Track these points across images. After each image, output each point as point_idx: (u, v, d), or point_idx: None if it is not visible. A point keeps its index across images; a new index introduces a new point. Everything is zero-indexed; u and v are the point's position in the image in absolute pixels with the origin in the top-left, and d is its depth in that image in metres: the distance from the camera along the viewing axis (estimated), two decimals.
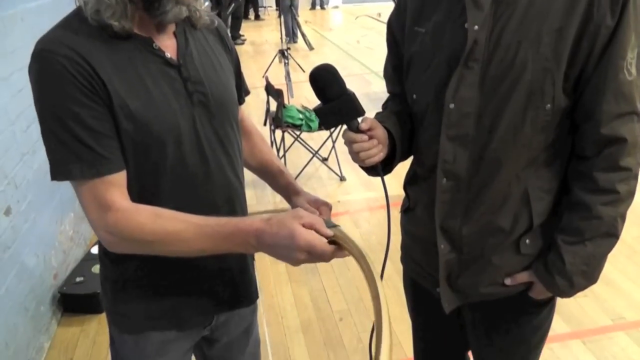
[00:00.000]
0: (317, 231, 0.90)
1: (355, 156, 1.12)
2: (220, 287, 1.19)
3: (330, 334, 2.61)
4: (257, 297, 1.29)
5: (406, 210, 1.38)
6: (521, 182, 1.13)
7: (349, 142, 1.11)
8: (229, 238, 0.92)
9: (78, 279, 2.85)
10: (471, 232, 1.19)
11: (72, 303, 2.79)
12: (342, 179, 4.19)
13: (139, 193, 1.02)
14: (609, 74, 1.01)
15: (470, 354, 1.55)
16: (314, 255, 0.88)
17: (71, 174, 0.94)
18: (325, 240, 0.90)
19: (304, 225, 0.89)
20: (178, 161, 1.04)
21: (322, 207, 1.18)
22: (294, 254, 0.88)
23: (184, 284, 1.15)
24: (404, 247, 1.44)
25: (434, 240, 1.23)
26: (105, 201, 0.95)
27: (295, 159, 4.43)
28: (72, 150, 0.93)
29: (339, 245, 0.91)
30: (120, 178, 0.98)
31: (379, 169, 1.15)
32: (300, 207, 1.17)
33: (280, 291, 2.96)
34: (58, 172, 0.95)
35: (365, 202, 3.85)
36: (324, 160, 4.46)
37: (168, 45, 1.04)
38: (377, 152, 1.12)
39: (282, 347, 2.51)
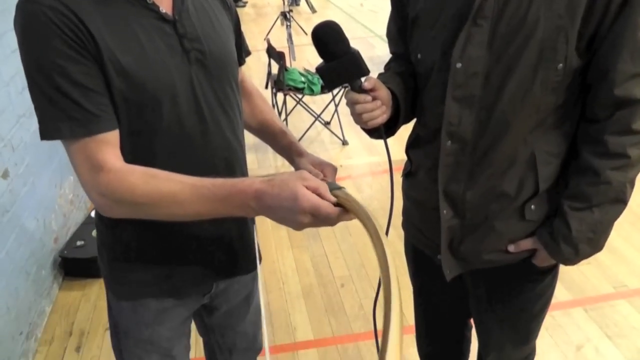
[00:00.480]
0: (321, 197, 0.87)
1: (357, 118, 1.10)
2: (218, 253, 1.17)
3: (331, 300, 2.62)
4: (258, 263, 1.27)
5: (408, 174, 1.36)
6: (528, 145, 1.11)
7: (351, 103, 1.09)
8: (226, 200, 0.88)
9: (79, 243, 2.85)
10: (475, 197, 1.17)
11: (73, 267, 2.80)
12: (345, 143, 4.18)
13: (133, 154, 0.99)
14: (627, 32, 0.97)
15: (471, 321, 1.56)
16: (318, 219, 0.85)
17: (60, 133, 0.91)
18: (330, 203, 0.87)
19: (307, 189, 0.85)
20: (174, 122, 1.01)
21: (326, 168, 1.15)
22: (297, 216, 0.84)
23: (181, 250, 1.13)
24: (406, 212, 1.43)
25: (436, 205, 1.22)
26: (97, 161, 0.92)
27: (297, 123, 4.40)
28: (60, 107, 0.90)
29: (344, 208, 0.89)
30: (112, 137, 0.95)
31: (382, 132, 1.14)
32: (303, 169, 1.13)
33: (281, 256, 2.96)
34: (47, 131, 0.92)
35: (368, 167, 3.84)
36: (326, 124, 4.44)
37: (163, 0, 1.00)
38: (380, 114, 1.10)
39: (282, 313, 2.52)
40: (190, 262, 1.15)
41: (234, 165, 1.15)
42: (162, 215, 0.94)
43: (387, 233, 1.07)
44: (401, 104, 1.18)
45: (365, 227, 0.84)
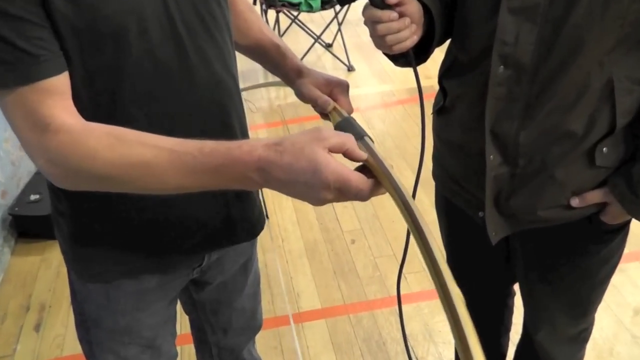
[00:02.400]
0: (350, 154, 0.84)
1: (379, 41, 1.07)
2: (211, 218, 1.15)
3: (340, 259, 2.63)
4: (261, 228, 1.25)
5: (441, 110, 1.32)
6: (605, 70, 1.06)
7: (371, 22, 1.05)
8: (219, 171, 0.85)
9: (33, 197, 2.79)
10: (531, 138, 1.14)
11: (27, 226, 2.75)
12: (350, 69, 4.17)
13: (91, 107, 0.94)
14: None
15: (515, 287, 1.55)
16: (347, 195, 0.82)
17: None
18: (362, 175, 0.83)
19: (330, 151, 0.81)
20: (144, 56, 0.96)
21: (336, 89, 1.12)
22: (319, 193, 0.80)
23: (164, 218, 1.09)
24: (438, 158, 1.40)
25: (479, 149, 1.19)
26: (40, 117, 0.85)
27: (292, 46, 4.26)
28: None
29: (371, 172, 0.86)
30: (60, 84, 0.88)
31: (411, 57, 1.09)
32: (307, 94, 1.12)
33: (279, 207, 2.95)
34: None
35: (379, 97, 3.83)
36: (328, 46, 4.43)
37: None
38: (408, 35, 1.06)
39: (283, 277, 2.53)
40: (177, 232, 1.12)
41: (230, 112, 1.10)
42: (133, 189, 0.90)
43: (415, 189, 1.08)
44: (436, 21, 1.13)
45: (395, 202, 0.82)
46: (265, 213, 1.23)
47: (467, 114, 1.21)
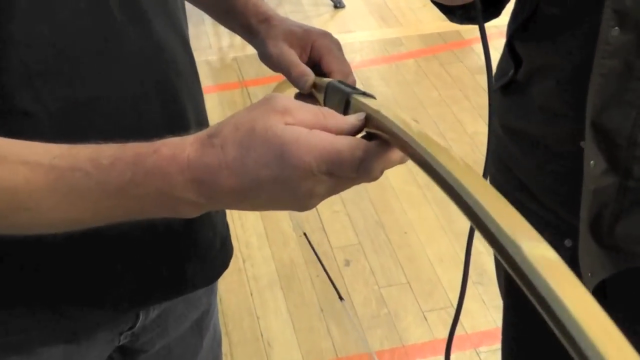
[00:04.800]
0: (333, 125, 0.80)
1: None
2: (146, 254, 1.13)
3: (329, 289, 2.60)
4: (225, 265, 1.26)
5: (508, 85, 1.32)
6: None
7: None
8: (127, 194, 0.82)
9: None
10: None
11: None
12: (338, 4, 4.29)
13: None
14: None
15: None
16: (343, 176, 0.78)
17: None
18: (355, 138, 0.80)
19: (295, 125, 0.79)
20: (38, 13, 0.95)
21: (319, 46, 1.13)
22: (299, 187, 0.77)
23: (75, 259, 1.08)
24: (499, 155, 1.40)
25: (572, 149, 1.19)
26: None
27: None
28: None
29: (381, 138, 0.81)
30: None
31: (478, 9, 1.06)
32: (276, 56, 1.13)
33: (241, 215, 2.95)
34: None
35: (381, 47, 3.90)
36: None
37: None
38: None
39: (247, 318, 2.53)
40: (89, 276, 1.11)
41: (178, 93, 1.09)
42: (4, 229, 0.89)
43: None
44: None
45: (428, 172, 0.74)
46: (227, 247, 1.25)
47: (554, 95, 1.21)
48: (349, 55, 3.75)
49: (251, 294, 2.61)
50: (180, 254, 1.17)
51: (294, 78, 1.09)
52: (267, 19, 1.18)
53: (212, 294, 1.37)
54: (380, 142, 0.79)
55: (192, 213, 0.83)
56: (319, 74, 1.11)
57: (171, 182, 0.80)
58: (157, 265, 1.15)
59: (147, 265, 1.15)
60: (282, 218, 2.92)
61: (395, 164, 0.80)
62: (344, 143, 0.76)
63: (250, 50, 1.27)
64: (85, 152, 0.83)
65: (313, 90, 1.06)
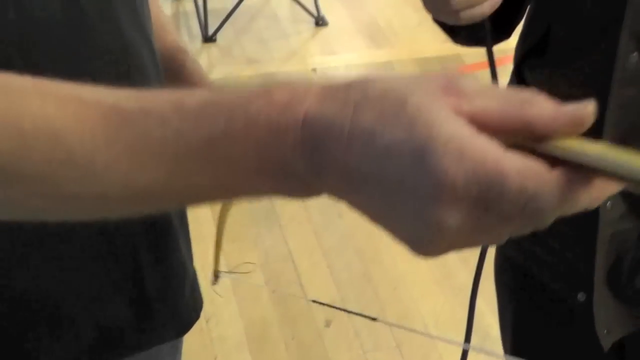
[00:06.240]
0: (524, 120, 0.64)
1: (443, 2, 1.10)
2: (103, 299, 1.15)
3: (308, 354, 2.60)
4: (196, 315, 1.30)
5: None
6: None
7: None
8: (219, 151, 0.70)
9: None
10: None
11: None
12: (320, 21, 4.31)
13: None
14: None
15: None
16: (495, 211, 0.64)
17: None
18: (528, 159, 0.63)
19: (473, 121, 0.63)
20: (15, 3, 1.01)
21: None
22: (427, 207, 0.63)
23: (20, 305, 1.10)
24: None
25: None
26: None
27: None
28: None
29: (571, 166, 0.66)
30: None
31: (487, 31, 1.14)
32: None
33: (204, 265, 2.91)
34: None
35: (368, 71, 3.88)
36: None
37: None
38: None
39: None
40: (28, 327, 1.12)
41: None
42: (36, 205, 0.79)
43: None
44: None
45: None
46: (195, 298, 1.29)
47: None
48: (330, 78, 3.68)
49: (215, 358, 2.60)
50: (145, 298, 1.18)
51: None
52: (194, 75, 1.31)
53: (177, 352, 1.37)
54: (568, 171, 0.63)
55: (297, 192, 0.72)
56: None
57: (281, 143, 0.68)
58: (117, 312, 1.16)
59: (110, 310, 1.15)
60: (253, 269, 2.87)
61: (584, 207, 0.66)
62: (515, 165, 0.61)
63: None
64: (165, 94, 0.74)
65: None
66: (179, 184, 0.74)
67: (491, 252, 1.46)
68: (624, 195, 1.20)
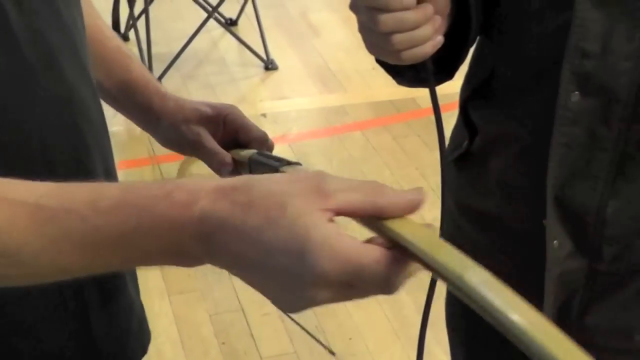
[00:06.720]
0: (376, 206, 0.80)
1: (381, 41, 1.11)
2: (49, 338, 1.15)
3: None
4: (143, 352, 1.30)
5: (463, 158, 1.37)
6: None
7: (368, 8, 1.09)
8: (129, 243, 0.82)
9: None
10: (626, 213, 1.19)
11: None
12: (270, 65, 4.34)
13: None
14: None
15: None
16: (360, 289, 0.80)
17: None
18: (376, 247, 0.79)
19: (338, 214, 0.78)
20: None
21: (229, 116, 1.23)
22: (305, 291, 0.78)
23: None
24: (454, 237, 1.32)
25: (535, 228, 1.23)
26: None
27: (170, 23, 4.45)
28: None
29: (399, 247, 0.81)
30: None
31: (430, 71, 1.14)
32: (193, 141, 1.21)
33: (151, 317, 2.90)
34: None
35: (320, 116, 3.93)
36: (231, 24, 4.56)
37: None
38: (430, 33, 1.11)
39: None
40: None
41: (88, 144, 1.14)
42: None
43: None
44: (472, 12, 1.19)
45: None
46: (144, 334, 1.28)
47: (512, 168, 1.26)
48: (283, 126, 3.83)
49: None
50: (93, 337, 1.18)
51: (215, 167, 1.18)
52: (170, 99, 1.25)
53: None
54: (400, 251, 0.79)
55: (191, 265, 0.85)
56: (236, 145, 1.19)
57: (181, 235, 0.81)
58: (68, 349, 1.16)
59: (55, 348, 1.15)
60: (202, 321, 2.89)
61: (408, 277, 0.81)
62: (371, 256, 0.76)
63: None
64: (82, 191, 0.84)
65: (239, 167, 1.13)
66: (96, 265, 0.87)
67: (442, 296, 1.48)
68: (570, 234, 1.21)
